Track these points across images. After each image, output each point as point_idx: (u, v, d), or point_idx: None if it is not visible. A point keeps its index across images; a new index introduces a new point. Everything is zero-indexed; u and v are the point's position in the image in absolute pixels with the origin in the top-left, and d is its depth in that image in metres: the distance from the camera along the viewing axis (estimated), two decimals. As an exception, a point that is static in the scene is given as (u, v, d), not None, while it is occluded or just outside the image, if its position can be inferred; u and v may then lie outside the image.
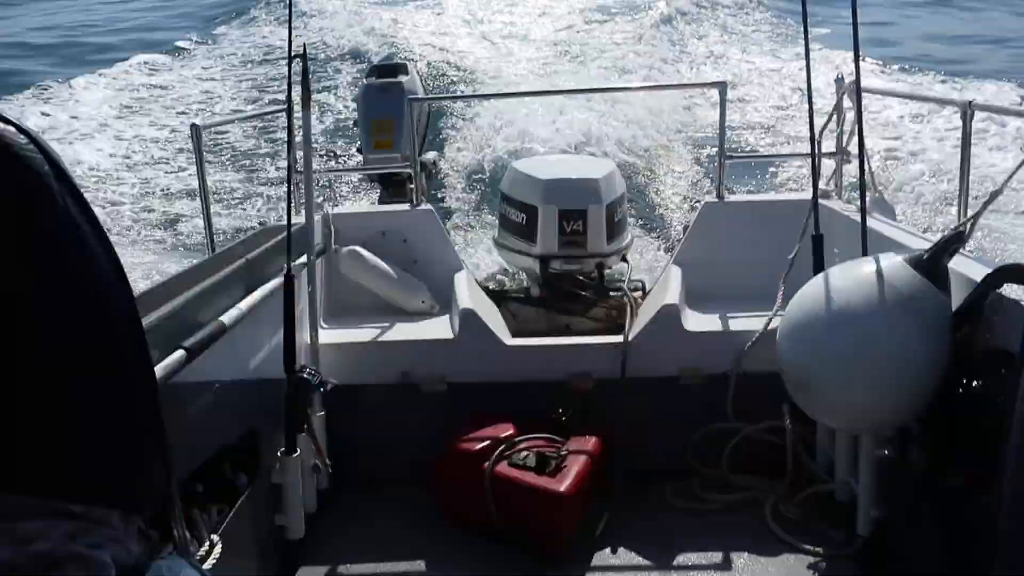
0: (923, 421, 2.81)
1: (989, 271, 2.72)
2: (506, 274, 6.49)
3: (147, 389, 0.79)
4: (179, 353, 2.60)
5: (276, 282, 3.39)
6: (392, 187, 5.88)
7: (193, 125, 3.97)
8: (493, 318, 4.30)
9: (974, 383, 2.56)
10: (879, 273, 2.77)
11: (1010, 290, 2.54)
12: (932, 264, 2.73)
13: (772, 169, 10.00)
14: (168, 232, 8.94)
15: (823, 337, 2.85)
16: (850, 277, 2.84)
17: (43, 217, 0.70)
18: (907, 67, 15.83)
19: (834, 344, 2.82)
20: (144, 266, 7.92)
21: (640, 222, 8.55)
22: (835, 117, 4.55)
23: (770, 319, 3.71)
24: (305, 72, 3.29)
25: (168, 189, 10.02)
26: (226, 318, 2.99)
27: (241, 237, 4.06)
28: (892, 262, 2.78)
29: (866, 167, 3.53)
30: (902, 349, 2.71)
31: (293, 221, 3.53)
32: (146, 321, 2.59)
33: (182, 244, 8.53)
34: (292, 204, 3.49)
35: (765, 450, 3.79)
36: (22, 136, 0.70)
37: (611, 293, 4.91)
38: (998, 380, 2.38)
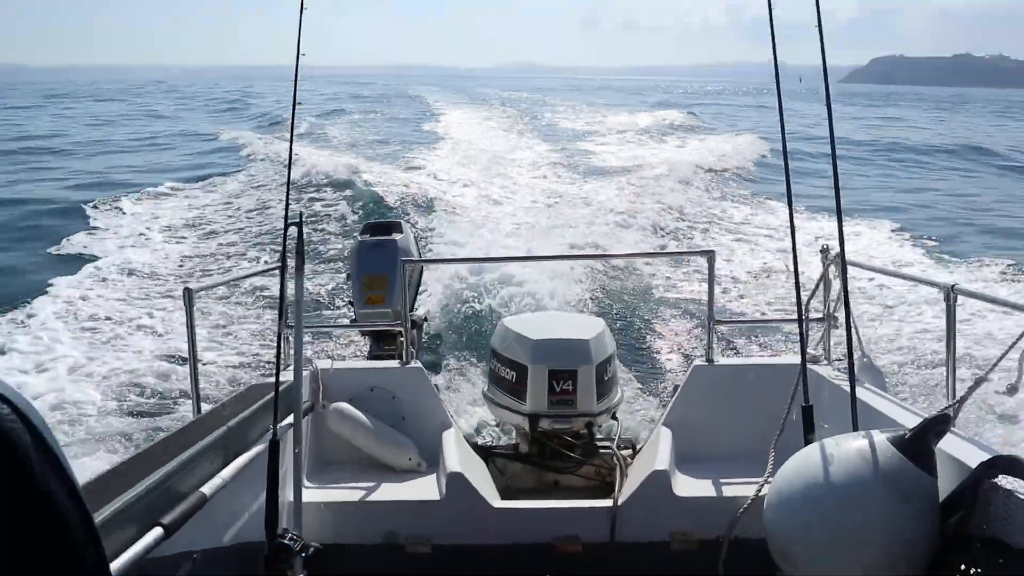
0: None
1: (981, 457, 2.75)
2: (496, 426, 6.44)
3: None
4: (156, 531, 2.58)
5: (261, 446, 3.37)
6: (382, 341, 5.93)
7: (186, 289, 4.03)
8: (480, 478, 4.24)
9: (971, 570, 2.53)
10: (864, 452, 2.78)
11: (1004, 480, 2.57)
12: (917, 446, 2.75)
13: (760, 333, 10.14)
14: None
15: (808, 514, 2.83)
16: (837, 454, 2.85)
17: (19, 488, 0.72)
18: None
19: (819, 522, 2.80)
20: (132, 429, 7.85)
21: (631, 378, 8.58)
22: (822, 285, 4.68)
23: (761, 486, 3.67)
24: (300, 238, 3.38)
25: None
26: (207, 488, 2.97)
27: (226, 397, 4.06)
28: (878, 440, 2.79)
29: (853, 335, 3.59)
30: (887, 531, 2.69)
31: (281, 379, 3.54)
32: (125, 497, 2.57)
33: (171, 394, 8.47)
34: (280, 365, 3.51)
35: None
36: (5, 406, 0.72)
37: (601, 451, 4.87)
38: (995, 567, 2.37)
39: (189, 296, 3.98)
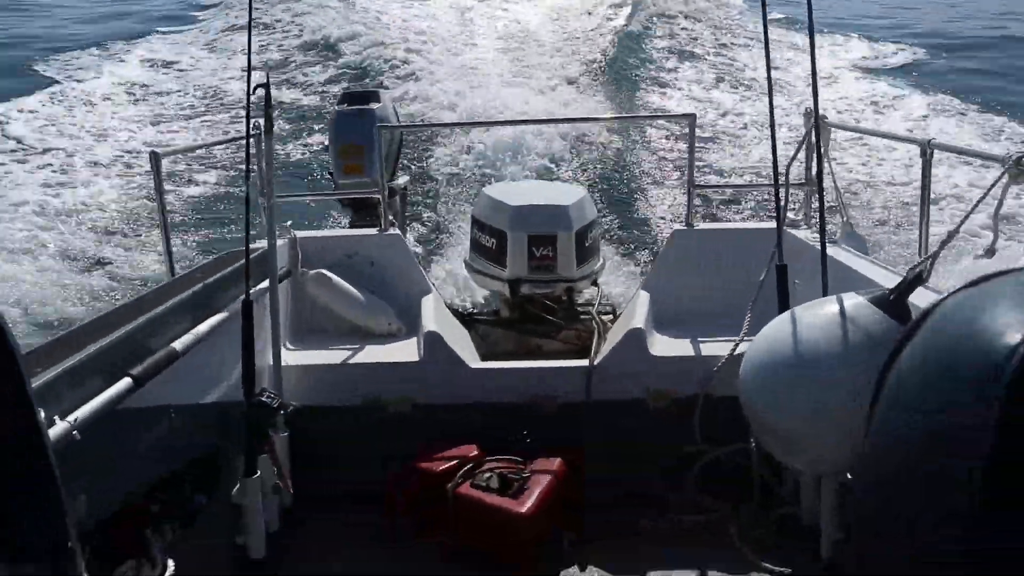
0: None
1: None
2: (476, 296, 6.49)
3: (24, 443, 0.79)
4: (125, 381, 2.59)
5: (236, 307, 3.38)
6: (363, 212, 5.89)
7: (152, 153, 3.95)
8: (460, 341, 4.29)
9: None
10: (843, 313, 2.77)
11: None
12: (897, 303, 2.75)
13: (745, 198, 10.10)
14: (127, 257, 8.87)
15: (786, 381, 2.83)
16: (814, 317, 2.83)
17: None
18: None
19: (797, 389, 2.80)
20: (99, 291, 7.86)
21: (614, 247, 8.60)
22: (803, 147, 4.61)
23: (736, 345, 3.72)
24: (268, 100, 3.29)
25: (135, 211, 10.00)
26: (179, 344, 2.98)
27: (201, 262, 4.04)
28: (856, 302, 2.79)
29: (835, 197, 3.56)
30: (868, 389, 2.71)
31: (257, 246, 3.51)
32: (93, 348, 2.59)
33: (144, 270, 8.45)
34: (250, 228, 3.47)
35: (732, 473, 3.79)
36: None
37: (581, 316, 4.92)
38: None
39: (156, 160, 3.90)
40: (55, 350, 2.56)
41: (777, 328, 2.97)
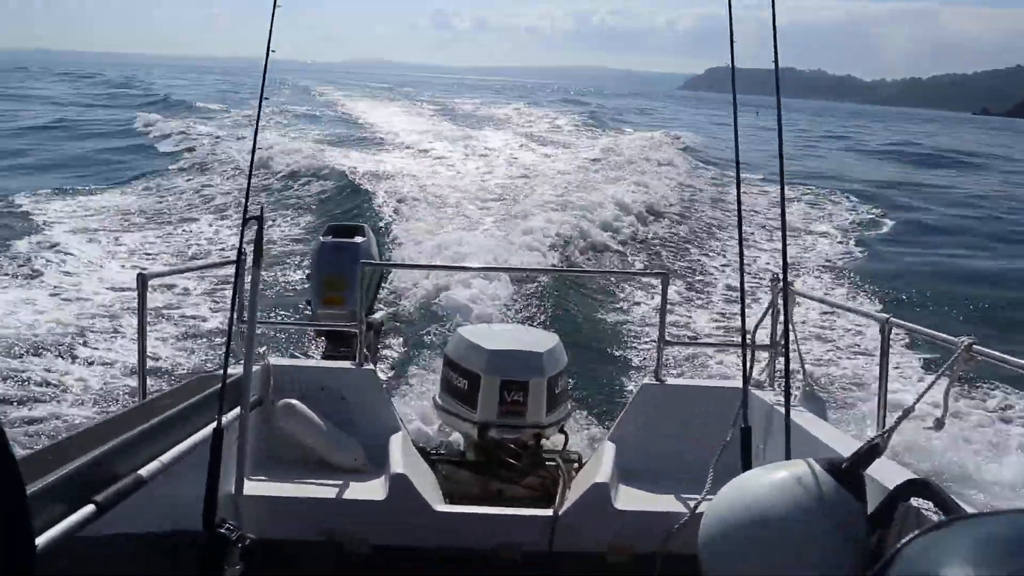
0: None
1: (899, 479, 2.87)
2: (443, 433, 6.46)
3: None
4: (88, 508, 2.56)
5: (204, 433, 3.37)
6: (338, 343, 5.93)
7: (140, 274, 4.00)
8: (425, 482, 4.27)
9: None
10: (800, 479, 2.86)
11: (916, 502, 2.69)
12: (850, 474, 2.85)
13: (709, 356, 10.31)
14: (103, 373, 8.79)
15: (741, 539, 2.89)
16: (774, 479, 2.92)
17: None
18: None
19: (751, 546, 2.86)
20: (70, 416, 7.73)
21: (582, 393, 8.65)
22: (770, 313, 4.79)
23: (698, 503, 3.74)
24: (260, 232, 3.39)
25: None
26: (145, 471, 2.96)
27: (174, 386, 4.04)
28: (815, 469, 2.88)
29: (797, 360, 3.70)
30: (818, 552, 2.78)
31: (231, 372, 3.54)
32: (59, 473, 2.56)
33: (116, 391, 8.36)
34: (230, 356, 3.52)
35: None
36: None
37: (547, 463, 4.92)
38: None
39: (143, 282, 3.95)
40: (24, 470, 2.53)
41: (736, 488, 3.02)
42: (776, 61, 3.45)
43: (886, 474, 3.11)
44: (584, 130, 43.65)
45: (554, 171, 24.49)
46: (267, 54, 3.69)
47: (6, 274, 12.06)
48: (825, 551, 2.77)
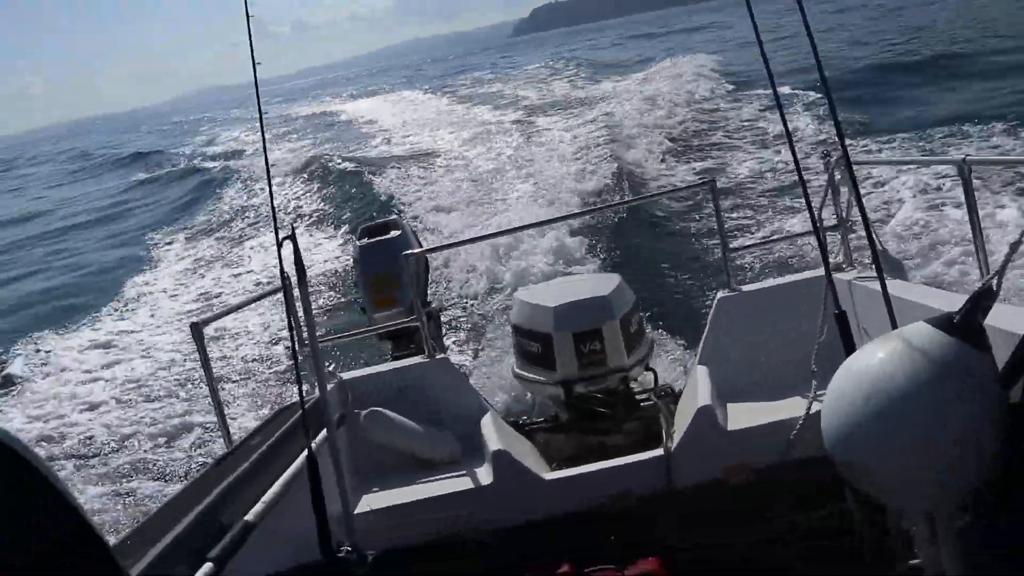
0: (994, 483, 2.65)
1: None
2: (532, 403, 6.38)
3: None
4: (207, 567, 2.53)
5: (299, 463, 3.31)
6: (402, 341, 5.86)
7: (192, 324, 3.93)
8: (526, 455, 4.19)
9: None
10: (914, 345, 2.66)
11: None
12: (965, 325, 2.63)
13: (779, 250, 9.98)
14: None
15: (868, 422, 2.71)
16: (883, 354, 2.74)
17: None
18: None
19: (880, 427, 2.69)
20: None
21: (659, 325, 8.47)
22: (830, 191, 4.55)
23: (810, 403, 3.59)
24: (296, 251, 3.30)
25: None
26: (251, 515, 2.93)
27: (257, 424, 4.01)
28: (922, 331, 2.68)
29: (873, 234, 3.47)
30: (950, 418, 2.59)
31: (307, 396, 3.48)
32: (169, 536, 2.53)
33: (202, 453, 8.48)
34: (302, 381, 3.45)
35: (836, 536, 3.59)
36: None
37: (642, 404, 4.79)
38: None
39: (198, 331, 3.90)
40: (131, 543, 2.50)
41: (847, 373, 2.85)
42: None
43: (1013, 319, 2.87)
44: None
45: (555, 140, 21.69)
46: (254, 68, 3.57)
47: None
48: (959, 412, 2.58)
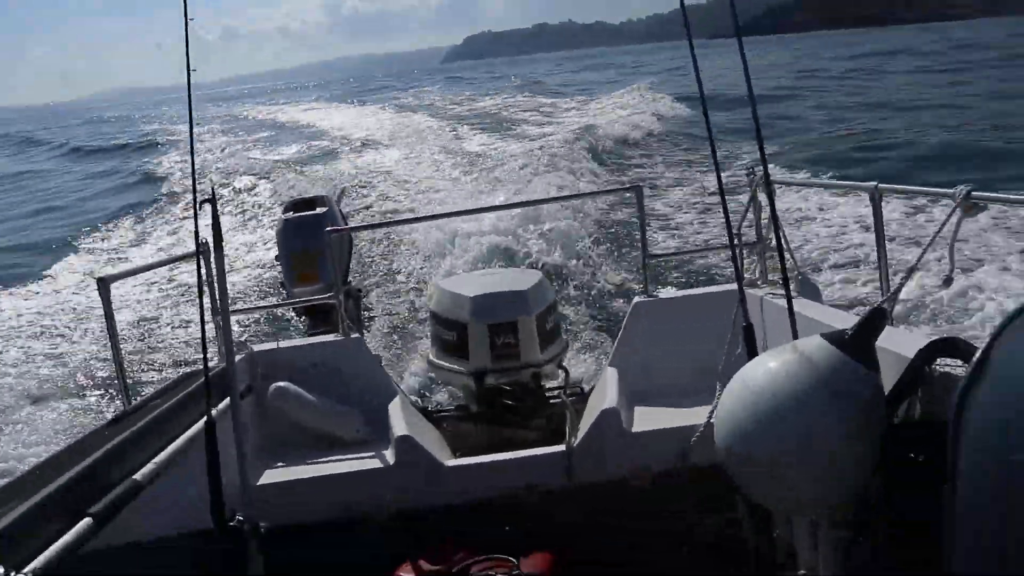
0: (872, 500, 2.77)
1: (920, 345, 2.75)
2: (443, 391, 6.39)
3: None
4: (86, 521, 2.47)
5: (197, 429, 3.25)
6: (319, 318, 5.81)
7: (99, 279, 3.82)
8: (431, 440, 4.19)
9: (918, 456, 2.54)
10: (805, 357, 2.76)
11: (942, 363, 2.57)
12: (856, 343, 2.74)
13: (699, 262, 10.23)
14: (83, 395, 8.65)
15: (757, 427, 2.80)
16: (775, 364, 2.83)
17: None
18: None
19: (763, 432, 2.78)
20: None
21: (574, 326, 8.59)
22: (751, 209, 4.68)
23: (712, 411, 3.67)
24: (215, 214, 3.24)
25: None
26: (140, 476, 2.86)
27: (157, 387, 3.92)
28: (816, 344, 2.78)
29: (786, 255, 3.59)
30: (837, 431, 2.68)
31: (216, 366, 3.42)
32: (50, 489, 2.47)
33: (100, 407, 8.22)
34: (207, 348, 3.39)
35: (725, 542, 3.70)
36: None
37: (551, 401, 4.85)
38: (939, 451, 2.38)
39: (104, 286, 3.79)
40: (7, 495, 2.42)
41: (741, 381, 2.94)
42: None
43: (903, 342, 3.00)
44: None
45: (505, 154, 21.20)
46: (188, 76, 3.48)
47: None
48: (842, 425, 2.68)
